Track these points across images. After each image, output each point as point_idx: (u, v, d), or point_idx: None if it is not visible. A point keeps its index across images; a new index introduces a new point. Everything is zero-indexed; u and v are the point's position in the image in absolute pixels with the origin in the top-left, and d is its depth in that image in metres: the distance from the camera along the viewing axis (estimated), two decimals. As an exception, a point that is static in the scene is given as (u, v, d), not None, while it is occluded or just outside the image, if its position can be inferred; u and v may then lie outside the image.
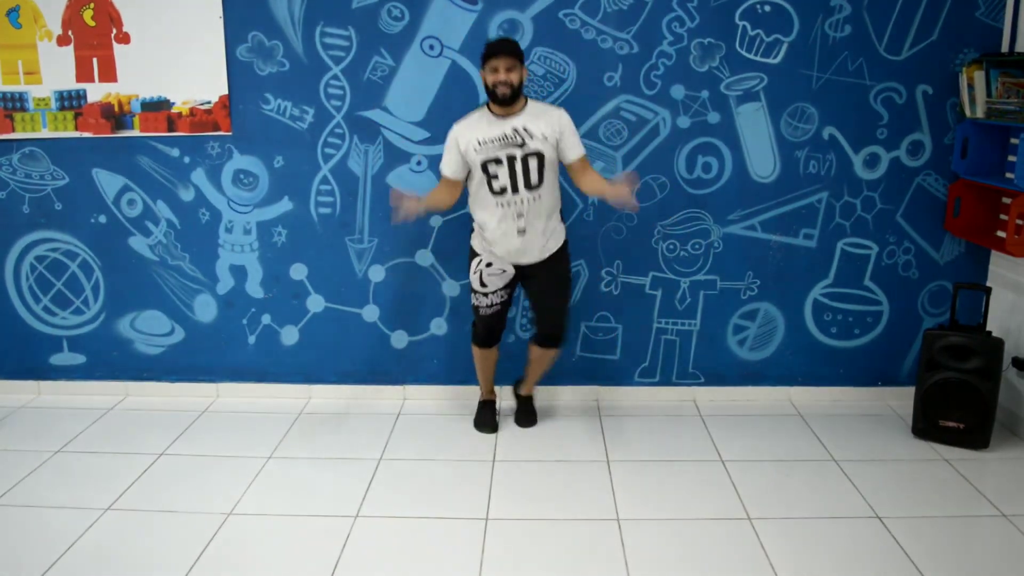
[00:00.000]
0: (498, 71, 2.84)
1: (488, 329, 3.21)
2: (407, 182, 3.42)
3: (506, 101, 2.87)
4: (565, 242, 3.12)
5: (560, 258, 3.10)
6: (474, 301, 3.15)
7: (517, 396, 3.47)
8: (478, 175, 2.95)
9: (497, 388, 3.47)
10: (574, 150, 2.96)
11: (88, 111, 3.41)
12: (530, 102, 2.97)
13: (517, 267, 3.07)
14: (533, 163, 2.90)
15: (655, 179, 3.41)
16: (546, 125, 2.91)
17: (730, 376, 3.63)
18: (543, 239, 3.01)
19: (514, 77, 2.85)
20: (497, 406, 3.43)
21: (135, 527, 2.61)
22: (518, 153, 2.89)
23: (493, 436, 3.27)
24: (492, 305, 3.12)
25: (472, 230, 3.13)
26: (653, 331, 3.59)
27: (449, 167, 3.01)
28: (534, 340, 3.22)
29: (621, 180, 2.87)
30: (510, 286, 3.13)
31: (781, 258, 3.50)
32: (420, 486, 2.89)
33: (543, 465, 3.04)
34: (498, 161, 2.90)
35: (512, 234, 2.96)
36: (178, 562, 2.40)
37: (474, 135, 2.92)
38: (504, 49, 2.84)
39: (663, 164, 3.40)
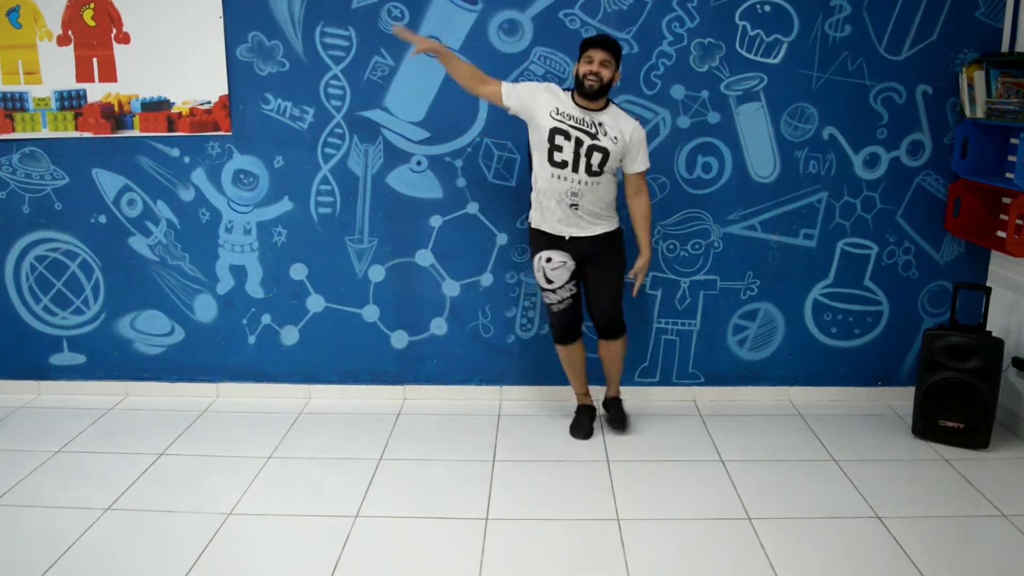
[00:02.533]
0: (592, 62, 2.85)
1: (564, 325, 3.17)
2: (407, 182, 3.42)
3: (592, 94, 2.88)
4: (620, 230, 3.12)
5: (615, 243, 3.10)
6: (545, 300, 3.15)
7: (605, 403, 3.39)
8: (542, 142, 2.93)
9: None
10: (638, 164, 3.00)
11: (88, 111, 3.41)
12: (612, 105, 2.99)
13: (574, 254, 3.05)
14: (597, 156, 2.91)
15: (655, 179, 3.41)
16: (621, 129, 2.93)
17: (730, 376, 3.63)
18: (596, 220, 3.02)
19: (606, 72, 2.86)
20: (595, 414, 3.37)
21: (135, 527, 2.61)
22: (586, 140, 2.90)
23: (493, 436, 3.27)
24: (563, 300, 3.10)
25: (530, 207, 3.11)
26: (653, 331, 3.59)
27: (515, 87, 2.97)
28: (598, 336, 3.22)
29: (641, 266, 3.08)
30: (575, 278, 3.10)
31: (781, 258, 3.50)
32: (420, 486, 2.89)
33: (543, 465, 3.04)
34: (567, 135, 2.90)
35: (565, 204, 2.96)
36: (178, 562, 2.40)
37: (556, 103, 2.93)
38: (603, 42, 2.87)
39: (663, 164, 3.40)
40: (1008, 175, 3.19)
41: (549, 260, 3.06)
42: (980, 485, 2.86)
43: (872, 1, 3.26)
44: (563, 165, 2.92)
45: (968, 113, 3.27)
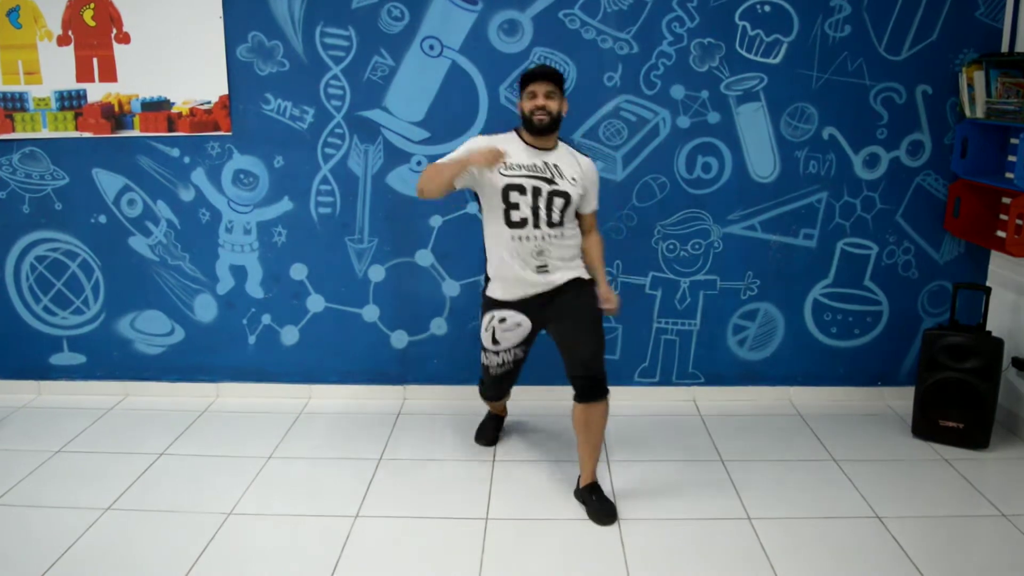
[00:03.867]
0: (536, 96, 2.58)
1: (498, 390, 2.98)
2: (407, 182, 3.42)
3: (543, 131, 2.61)
4: (591, 280, 2.75)
5: (586, 288, 2.72)
6: (483, 360, 2.83)
7: (580, 492, 2.75)
8: (495, 203, 2.62)
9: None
10: (592, 204, 2.76)
11: (88, 111, 3.41)
12: (561, 144, 2.72)
13: (536, 312, 2.72)
14: (558, 203, 2.61)
15: (655, 179, 3.42)
16: (578, 170, 2.68)
17: (730, 376, 3.63)
18: (562, 269, 2.69)
19: (553, 104, 2.59)
20: (503, 423, 3.31)
21: (135, 527, 2.61)
22: (544, 188, 2.61)
23: (487, 447, 3.25)
24: (503, 364, 2.80)
25: (486, 280, 2.80)
26: (653, 331, 3.59)
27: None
28: (575, 397, 2.67)
29: (607, 292, 2.70)
30: (526, 342, 2.79)
31: (781, 258, 3.50)
32: (420, 486, 2.89)
33: (543, 465, 3.04)
34: (522, 190, 2.59)
35: (531, 272, 2.66)
36: (178, 562, 2.40)
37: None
38: (545, 74, 2.61)
39: (663, 164, 3.40)
40: (1008, 175, 3.19)
41: (503, 320, 2.72)
42: (980, 485, 2.86)
43: (872, 1, 3.26)
44: (522, 224, 2.60)
45: (968, 113, 3.27)
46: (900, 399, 3.53)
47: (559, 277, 2.69)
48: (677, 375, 3.64)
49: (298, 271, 3.55)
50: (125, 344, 3.66)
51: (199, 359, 3.66)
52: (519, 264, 2.65)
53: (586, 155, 2.78)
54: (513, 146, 2.65)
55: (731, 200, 3.44)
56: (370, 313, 3.58)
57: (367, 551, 2.48)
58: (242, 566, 2.41)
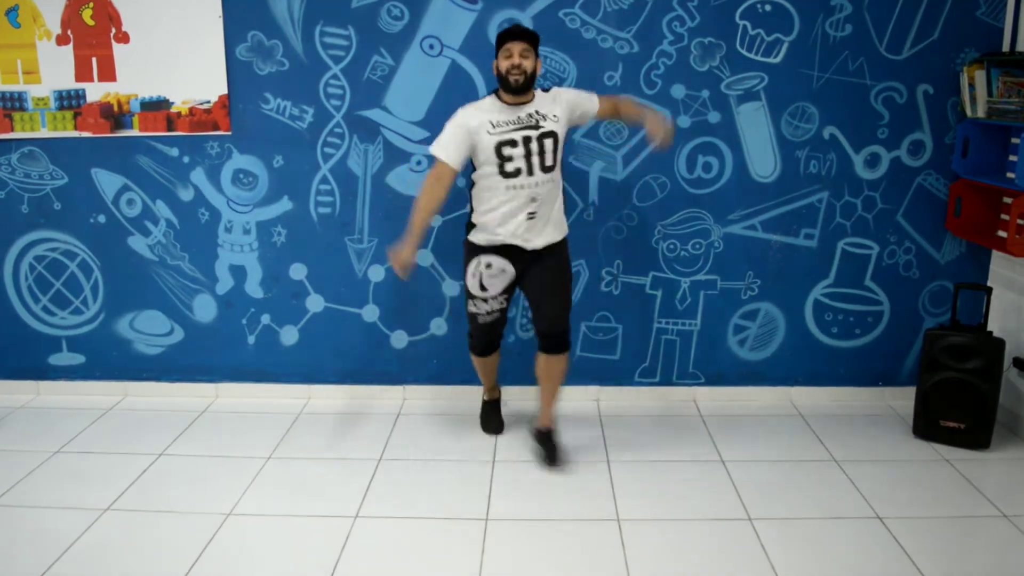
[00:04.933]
0: (512, 55, 2.72)
1: (486, 339, 3.06)
2: (407, 182, 3.42)
3: (519, 89, 2.75)
4: (566, 238, 2.97)
5: (561, 250, 2.95)
6: (471, 308, 2.96)
7: (536, 434, 3.09)
8: (490, 159, 2.77)
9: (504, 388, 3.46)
10: (590, 99, 2.91)
11: (87, 111, 3.41)
12: (536, 93, 2.86)
13: (517, 262, 2.88)
14: (548, 144, 2.78)
15: (655, 179, 3.41)
16: (553, 105, 2.83)
17: (730, 376, 3.63)
18: (551, 226, 2.88)
19: (528, 64, 2.73)
20: (502, 405, 3.38)
21: (135, 527, 2.60)
22: (533, 134, 2.77)
23: (493, 436, 3.26)
24: (492, 312, 2.94)
25: (469, 227, 2.95)
26: (653, 331, 3.58)
27: (449, 150, 2.77)
28: (539, 348, 2.98)
29: (654, 123, 2.84)
30: (509, 290, 2.94)
31: (781, 258, 3.50)
32: (420, 486, 2.88)
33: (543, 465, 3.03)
34: (513, 143, 2.75)
35: (522, 218, 2.80)
36: (178, 562, 2.40)
37: (486, 117, 2.77)
38: (520, 32, 2.75)
39: (663, 164, 3.40)
40: (1009, 175, 3.19)
41: (489, 265, 2.86)
42: (980, 485, 2.85)
43: (873, 0, 3.25)
44: (516, 173, 2.76)
45: (969, 113, 3.26)
46: (901, 399, 3.53)
47: (541, 240, 2.86)
48: (677, 375, 3.63)
49: (298, 271, 3.54)
50: (124, 344, 3.66)
51: (198, 359, 3.66)
52: (511, 209, 2.80)
53: (547, 89, 2.91)
54: (494, 108, 2.81)
55: (731, 200, 3.44)
56: (370, 313, 3.58)
57: (367, 551, 2.48)
58: (242, 566, 2.41)
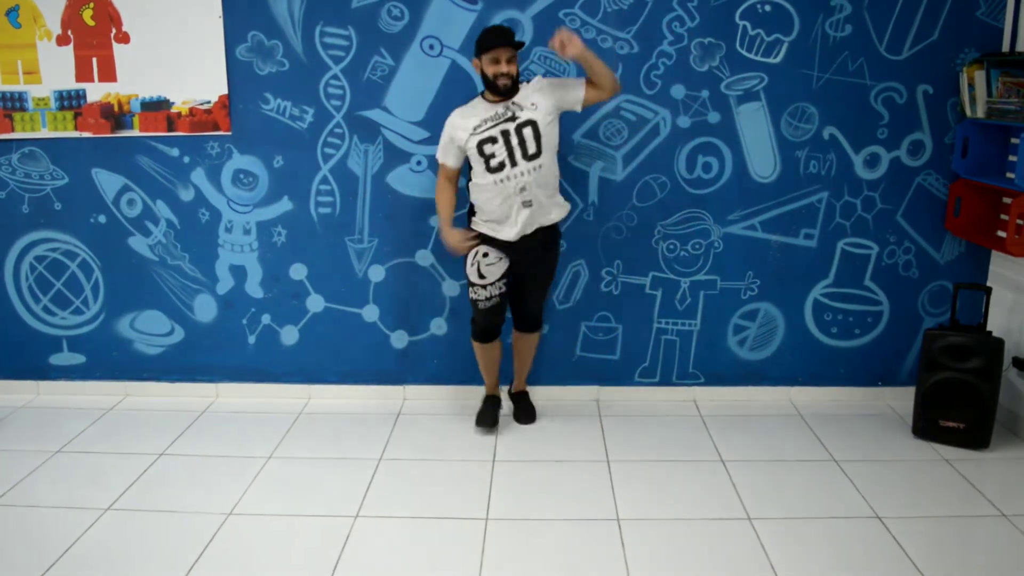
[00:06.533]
0: (499, 62, 2.84)
1: (488, 323, 3.17)
2: (407, 182, 3.42)
3: (508, 92, 2.90)
4: (557, 227, 3.11)
5: (555, 239, 3.13)
6: (472, 295, 3.11)
7: (512, 396, 3.47)
8: (475, 158, 2.94)
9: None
10: (577, 83, 2.95)
11: (88, 111, 3.41)
12: (521, 85, 2.98)
13: (511, 251, 3.03)
14: (528, 132, 2.88)
15: (655, 179, 3.41)
16: (533, 94, 2.93)
17: (730, 376, 3.63)
18: (554, 208, 3.03)
19: (514, 69, 2.87)
20: (501, 403, 3.41)
21: (135, 527, 2.61)
22: (511, 127, 2.89)
23: (493, 436, 3.27)
24: (491, 297, 3.08)
25: (469, 216, 3.11)
26: (653, 331, 3.58)
27: (447, 156, 3.03)
28: (515, 327, 3.29)
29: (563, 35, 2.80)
30: (507, 275, 3.09)
31: (781, 258, 3.50)
32: (420, 486, 2.89)
33: (543, 465, 3.04)
34: (493, 140, 2.89)
35: (517, 208, 2.94)
36: (178, 562, 2.40)
37: (468, 123, 2.93)
38: (506, 40, 2.85)
39: (663, 164, 3.40)
40: (1009, 175, 3.19)
41: (486, 255, 3.03)
42: (980, 485, 2.85)
43: (872, 1, 3.25)
44: (501, 167, 2.90)
45: (969, 113, 3.26)
46: (900, 399, 3.53)
47: (542, 218, 3.01)
48: (677, 375, 3.64)
49: (298, 271, 3.54)
50: (125, 344, 3.66)
51: (199, 359, 3.66)
52: (505, 204, 2.94)
53: (528, 80, 3.03)
54: (480, 109, 2.95)
55: (731, 200, 3.44)
56: (370, 313, 3.58)
57: (367, 551, 2.48)
58: (242, 566, 2.41)
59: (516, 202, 2.93)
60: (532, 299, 3.20)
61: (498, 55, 2.84)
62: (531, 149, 2.90)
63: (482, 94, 2.99)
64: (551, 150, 2.97)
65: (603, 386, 3.64)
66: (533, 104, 2.91)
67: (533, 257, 3.07)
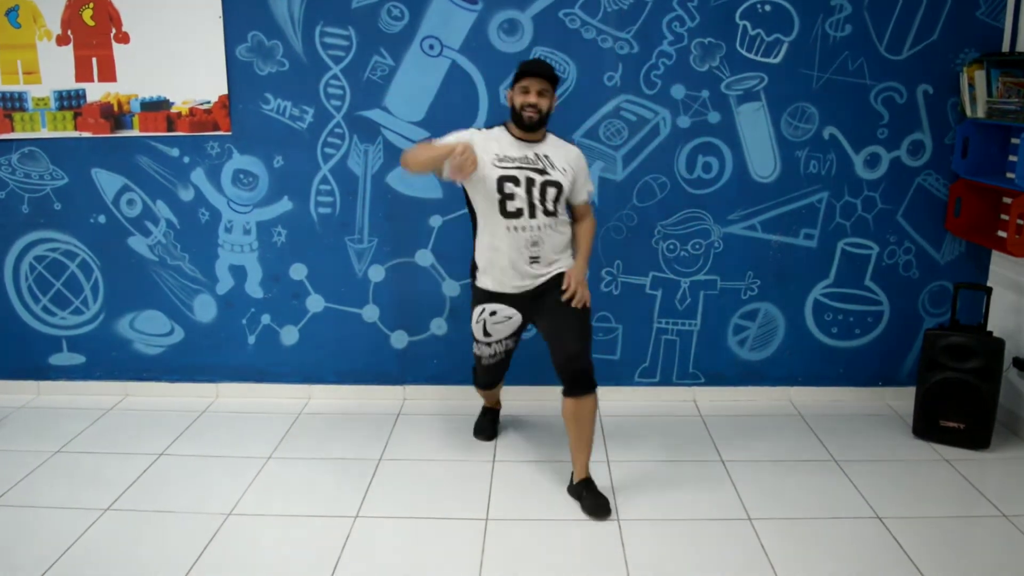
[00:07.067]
0: (529, 92, 2.62)
1: (490, 379, 3.06)
2: (407, 182, 3.42)
3: (532, 127, 2.66)
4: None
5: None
6: (475, 351, 2.92)
7: (573, 489, 2.77)
8: (490, 194, 2.65)
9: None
10: (583, 192, 2.80)
11: (87, 111, 3.41)
12: (549, 135, 2.77)
13: (525, 309, 2.79)
14: (551, 192, 2.67)
15: (655, 179, 3.41)
16: (567, 159, 2.73)
17: (730, 376, 3.63)
18: (552, 263, 2.76)
19: (544, 103, 2.63)
20: (499, 416, 3.35)
21: (135, 527, 2.60)
22: (537, 178, 2.65)
23: (485, 441, 3.25)
24: (495, 355, 2.89)
25: (473, 270, 2.84)
26: (653, 331, 3.58)
27: (448, 137, 2.69)
28: (563, 391, 2.71)
29: (575, 275, 2.73)
30: (516, 334, 2.87)
31: (781, 258, 3.50)
32: (420, 486, 2.89)
33: (543, 465, 3.03)
34: (516, 181, 2.63)
35: (523, 263, 2.71)
36: (178, 562, 2.40)
37: (493, 148, 2.67)
38: (540, 70, 2.64)
39: (663, 164, 3.40)
40: (1009, 175, 3.19)
41: (494, 313, 2.79)
42: (980, 485, 2.85)
43: (873, 1, 3.25)
44: (518, 214, 2.65)
45: (969, 113, 3.26)
46: (901, 399, 3.53)
47: (550, 270, 2.76)
48: (677, 375, 3.64)
49: (298, 271, 3.54)
50: (124, 344, 3.66)
51: (199, 359, 3.66)
52: (513, 254, 2.70)
53: (571, 143, 2.85)
54: (503, 140, 2.71)
55: (731, 200, 3.44)
56: (370, 313, 3.58)
57: (367, 551, 2.48)
58: (242, 566, 2.41)
59: (525, 256, 2.70)
60: (567, 348, 2.67)
61: (528, 85, 2.61)
62: (550, 208, 2.68)
63: (505, 124, 2.75)
64: (565, 213, 2.79)
65: (603, 386, 3.60)
66: (565, 170, 2.70)
67: (547, 299, 2.75)
